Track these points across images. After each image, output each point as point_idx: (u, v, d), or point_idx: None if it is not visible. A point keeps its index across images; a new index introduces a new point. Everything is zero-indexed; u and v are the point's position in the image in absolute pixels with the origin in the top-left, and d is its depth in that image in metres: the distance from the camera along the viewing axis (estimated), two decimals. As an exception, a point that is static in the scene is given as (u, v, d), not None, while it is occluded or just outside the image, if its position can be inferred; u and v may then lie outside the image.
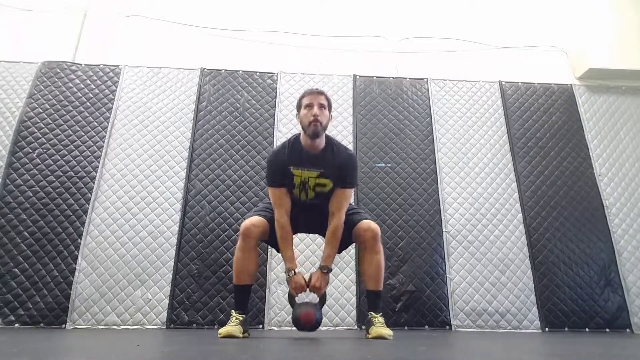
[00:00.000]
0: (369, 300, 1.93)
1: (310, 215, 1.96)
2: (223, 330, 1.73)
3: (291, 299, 2.02)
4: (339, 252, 1.98)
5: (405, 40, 3.81)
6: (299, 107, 1.93)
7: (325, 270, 1.87)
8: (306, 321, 1.83)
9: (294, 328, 1.92)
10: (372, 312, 1.86)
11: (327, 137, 1.93)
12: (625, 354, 1.35)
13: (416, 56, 3.74)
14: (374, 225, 1.88)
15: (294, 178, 1.88)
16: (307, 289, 1.88)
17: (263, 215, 1.90)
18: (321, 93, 1.91)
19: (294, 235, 1.94)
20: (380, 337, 1.74)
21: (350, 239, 1.95)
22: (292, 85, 3.47)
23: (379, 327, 1.79)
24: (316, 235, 2.91)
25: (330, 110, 1.93)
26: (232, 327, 1.75)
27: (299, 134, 1.93)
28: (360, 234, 1.88)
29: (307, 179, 1.88)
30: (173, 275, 2.81)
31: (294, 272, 1.85)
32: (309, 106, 1.86)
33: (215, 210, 3.00)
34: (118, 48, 3.55)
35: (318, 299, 2.01)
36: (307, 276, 1.90)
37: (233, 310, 1.84)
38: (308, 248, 2.94)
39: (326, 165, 1.88)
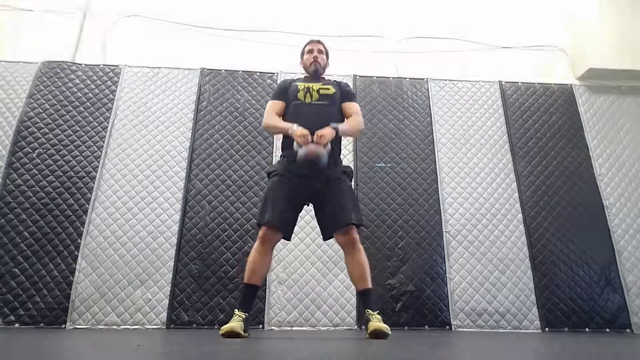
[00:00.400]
0: (363, 300, 1.96)
1: (315, 119, 1.98)
2: (225, 327, 1.73)
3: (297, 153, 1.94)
4: (325, 239, 2.02)
5: (405, 40, 3.81)
6: (302, 55, 2.26)
7: (334, 126, 1.97)
8: (310, 154, 1.82)
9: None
10: (368, 310, 1.87)
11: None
12: (625, 354, 1.35)
13: (416, 56, 3.74)
14: (351, 231, 1.91)
15: (299, 86, 2.11)
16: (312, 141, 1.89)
17: (279, 218, 1.88)
18: (320, 42, 2.26)
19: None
20: (378, 331, 1.74)
21: (332, 228, 1.95)
22: (292, 85, 3.47)
23: (376, 321, 1.79)
24: (316, 235, 2.92)
25: (328, 58, 2.27)
26: (235, 322, 1.75)
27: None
28: (338, 241, 1.97)
29: (310, 86, 2.11)
30: (173, 275, 2.81)
31: (294, 125, 1.93)
32: (310, 51, 2.21)
33: (215, 210, 3.00)
34: (118, 48, 3.55)
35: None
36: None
37: (236, 309, 1.85)
38: (308, 248, 2.94)
39: (327, 82, 2.19)
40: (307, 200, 2.01)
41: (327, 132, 1.91)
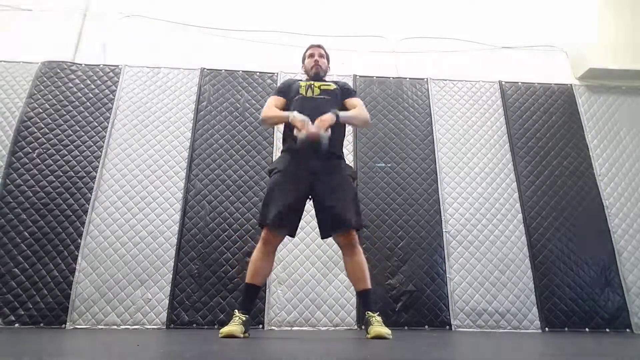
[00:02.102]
0: (362, 301, 1.97)
1: (316, 113, 1.96)
2: (224, 330, 1.73)
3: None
4: (323, 237, 2.00)
5: (405, 40, 3.81)
6: (303, 59, 2.29)
7: (334, 112, 1.97)
8: (310, 135, 1.82)
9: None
10: (369, 312, 1.87)
11: None
12: (625, 354, 1.35)
13: (416, 56, 3.74)
14: (349, 232, 1.91)
15: (300, 84, 2.15)
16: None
17: (281, 218, 1.87)
18: (321, 47, 2.30)
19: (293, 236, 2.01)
20: (379, 336, 1.74)
21: (331, 228, 1.95)
22: (292, 85, 3.47)
23: (377, 326, 1.79)
24: (316, 235, 2.92)
25: (328, 62, 2.30)
26: (234, 326, 1.75)
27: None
28: (338, 241, 1.97)
29: (312, 84, 2.15)
30: (173, 275, 2.81)
31: (293, 114, 1.93)
32: (311, 56, 2.25)
33: (215, 210, 3.00)
34: (118, 48, 3.55)
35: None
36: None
37: (237, 310, 1.84)
38: (308, 248, 2.94)
39: (328, 81, 2.24)
40: (309, 194, 1.96)
41: (328, 117, 1.91)
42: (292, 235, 1.97)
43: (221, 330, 1.74)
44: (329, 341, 1.81)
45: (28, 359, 0.96)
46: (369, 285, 1.91)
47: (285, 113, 1.99)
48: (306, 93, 2.11)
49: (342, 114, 1.99)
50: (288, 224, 1.92)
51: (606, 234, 3.13)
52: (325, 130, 1.87)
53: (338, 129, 2.01)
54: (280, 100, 2.13)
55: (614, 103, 3.60)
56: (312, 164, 1.92)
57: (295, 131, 1.91)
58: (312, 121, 1.89)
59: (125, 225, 2.92)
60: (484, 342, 1.96)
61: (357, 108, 2.11)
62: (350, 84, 3.49)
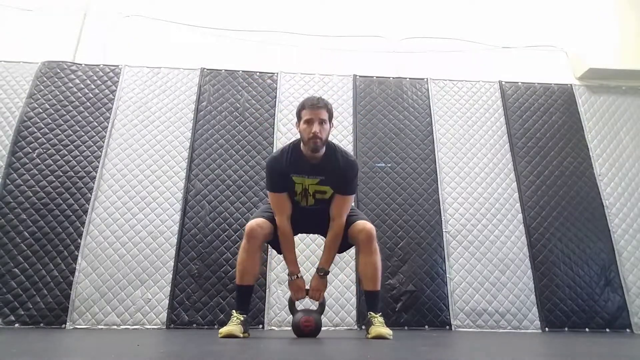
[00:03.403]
0: (367, 301, 1.94)
1: (311, 219, 1.98)
2: (224, 330, 1.73)
3: (291, 306, 2.04)
4: (340, 252, 2.02)
5: (405, 40, 3.81)
6: (298, 118, 1.86)
7: (321, 273, 1.93)
8: (306, 327, 1.87)
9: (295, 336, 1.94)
10: (371, 312, 1.86)
11: (328, 143, 1.88)
12: (625, 354, 1.35)
13: (416, 56, 3.74)
14: (369, 225, 1.87)
15: (295, 185, 1.88)
16: (307, 295, 1.95)
17: (267, 217, 1.90)
18: (321, 107, 1.81)
19: (294, 236, 1.97)
20: (380, 337, 1.74)
21: (347, 240, 1.96)
22: (292, 85, 3.47)
23: (379, 326, 1.79)
24: (316, 235, 2.92)
25: (331, 120, 1.86)
26: (233, 326, 1.75)
27: (299, 142, 1.88)
28: (355, 236, 1.88)
29: (307, 187, 1.88)
30: (173, 275, 2.81)
31: (297, 276, 1.91)
32: (309, 122, 1.79)
33: (215, 210, 3.00)
34: (118, 48, 3.55)
35: (318, 304, 2.03)
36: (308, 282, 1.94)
37: (234, 310, 1.84)
38: (308, 248, 2.94)
39: (326, 173, 1.87)
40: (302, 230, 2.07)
41: (322, 287, 1.95)
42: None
43: (220, 331, 1.74)
44: (329, 341, 1.81)
45: (28, 359, 0.96)
46: (379, 287, 1.89)
47: (291, 266, 1.91)
48: (300, 202, 1.93)
49: (329, 265, 1.95)
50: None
51: (606, 234, 3.13)
52: (319, 298, 1.98)
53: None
54: (283, 198, 1.89)
55: (614, 103, 3.60)
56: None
57: (291, 293, 1.97)
58: (305, 230, 2.04)
59: (125, 225, 2.92)
60: (484, 342, 1.96)
61: (336, 226, 1.89)
62: (350, 84, 3.50)
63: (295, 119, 1.90)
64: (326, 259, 1.94)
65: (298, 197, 1.92)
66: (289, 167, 1.85)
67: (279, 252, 2.01)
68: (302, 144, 1.86)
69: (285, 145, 1.92)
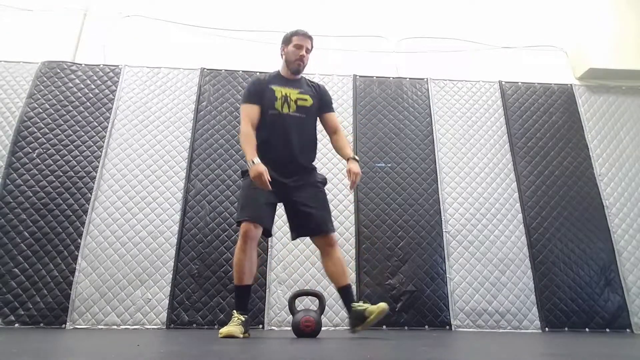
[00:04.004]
0: (347, 296, 1.95)
1: (294, 135, 1.99)
2: (224, 330, 1.73)
3: (291, 306, 2.04)
4: (294, 238, 2.06)
5: (405, 40, 3.81)
6: (287, 42, 2.08)
7: (355, 158, 2.01)
8: (306, 327, 1.89)
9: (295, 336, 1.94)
10: (354, 303, 1.89)
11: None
12: (625, 354, 1.35)
13: (416, 56, 3.74)
14: (330, 233, 1.97)
15: (275, 92, 2.01)
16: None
17: (257, 214, 1.88)
18: (311, 38, 2.09)
19: (294, 240, 2.08)
20: (383, 311, 1.79)
21: (306, 232, 2.01)
22: (292, 85, 3.47)
23: (373, 306, 1.83)
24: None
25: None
26: (234, 327, 1.75)
27: (278, 70, 2.12)
28: (317, 245, 2.03)
29: (288, 94, 2.03)
30: (173, 275, 2.81)
31: (254, 161, 1.84)
32: (299, 47, 2.04)
33: (215, 210, 3.00)
34: (118, 48, 3.55)
35: (318, 305, 2.03)
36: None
37: (235, 311, 1.85)
38: (308, 248, 2.94)
39: (305, 87, 2.10)
40: (280, 200, 2.00)
41: (359, 169, 1.97)
42: (269, 233, 1.98)
43: (220, 331, 1.74)
44: (329, 341, 1.81)
45: (28, 359, 0.96)
46: (349, 280, 1.98)
47: (249, 155, 1.87)
48: (282, 109, 1.99)
49: (354, 154, 2.04)
50: (266, 220, 1.90)
51: (606, 234, 3.13)
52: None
53: (312, 144, 2.07)
54: (255, 109, 1.99)
55: (614, 103, 3.61)
56: (283, 179, 1.94)
57: (252, 178, 1.84)
58: (287, 141, 1.96)
59: (125, 225, 2.92)
60: (484, 342, 1.96)
61: (342, 134, 2.14)
62: (350, 84, 3.50)
63: (282, 45, 2.10)
64: (349, 149, 2.07)
65: (278, 102, 2.00)
66: (270, 80, 2.06)
67: (268, 236, 2.01)
68: (282, 69, 2.11)
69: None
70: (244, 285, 1.87)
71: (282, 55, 2.11)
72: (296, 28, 2.10)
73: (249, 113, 1.99)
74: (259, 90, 2.03)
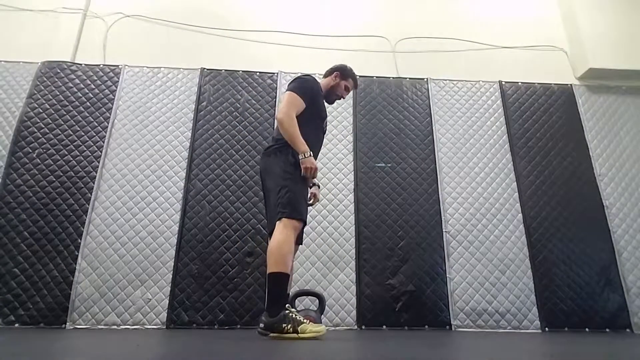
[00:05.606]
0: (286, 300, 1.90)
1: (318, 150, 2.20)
2: (314, 329, 1.72)
3: (291, 306, 2.03)
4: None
5: (405, 40, 3.81)
6: (344, 77, 2.26)
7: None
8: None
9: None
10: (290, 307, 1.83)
11: None
12: (625, 354, 1.35)
13: (416, 56, 3.74)
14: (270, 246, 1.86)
15: (324, 112, 2.19)
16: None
17: (307, 213, 1.97)
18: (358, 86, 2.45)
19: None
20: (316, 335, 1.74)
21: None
22: (292, 85, 3.47)
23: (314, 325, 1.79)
24: (316, 235, 2.94)
25: None
26: (310, 325, 1.74)
27: (319, 83, 2.22)
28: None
29: (326, 119, 2.23)
30: (173, 275, 2.81)
31: (310, 153, 1.93)
32: (347, 89, 2.29)
33: (215, 210, 3.00)
34: (118, 48, 3.55)
35: (318, 305, 2.03)
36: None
37: (288, 305, 1.80)
38: (308, 248, 2.94)
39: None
40: None
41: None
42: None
43: (309, 330, 1.71)
44: (329, 341, 1.81)
45: (28, 359, 0.96)
46: (272, 270, 1.80)
47: (303, 147, 1.92)
48: (325, 125, 2.22)
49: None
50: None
51: (606, 234, 3.13)
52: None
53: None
54: (302, 106, 2.02)
55: (614, 103, 3.60)
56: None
57: (304, 170, 1.92)
58: (318, 152, 2.15)
59: (125, 225, 2.92)
60: (484, 342, 1.96)
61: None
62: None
63: (338, 74, 2.25)
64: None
65: (324, 123, 2.19)
66: (320, 90, 2.18)
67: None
68: (324, 85, 2.24)
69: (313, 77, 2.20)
70: (287, 272, 1.82)
71: (334, 78, 2.25)
72: (355, 71, 2.30)
73: (297, 105, 2.02)
74: (315, 95, 2.10)
